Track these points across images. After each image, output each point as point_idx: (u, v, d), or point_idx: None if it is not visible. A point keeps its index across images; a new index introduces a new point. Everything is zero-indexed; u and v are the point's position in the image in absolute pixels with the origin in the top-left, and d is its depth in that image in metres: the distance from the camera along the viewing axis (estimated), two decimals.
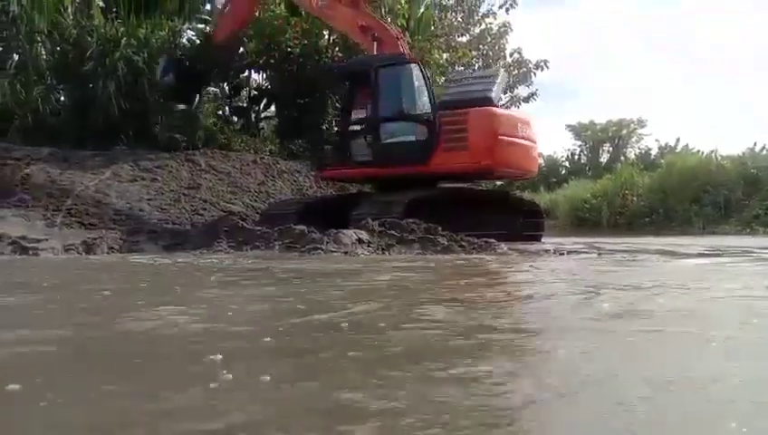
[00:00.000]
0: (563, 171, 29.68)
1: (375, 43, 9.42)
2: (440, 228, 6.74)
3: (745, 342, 2.00)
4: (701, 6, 54.34)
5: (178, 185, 10.62)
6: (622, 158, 29.22)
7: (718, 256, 6.29)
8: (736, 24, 51.54)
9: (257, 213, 10.01)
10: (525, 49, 28.04)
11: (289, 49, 14.07)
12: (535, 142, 9.19)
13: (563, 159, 31.21)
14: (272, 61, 14.43)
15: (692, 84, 51.24)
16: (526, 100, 18.88)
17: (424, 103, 8.58)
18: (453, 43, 16.95)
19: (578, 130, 31.29)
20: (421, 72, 8.75)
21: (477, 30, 18.32)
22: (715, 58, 52.92)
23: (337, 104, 14.22)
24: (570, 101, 51.44)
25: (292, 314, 2.44)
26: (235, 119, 15.68)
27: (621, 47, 52.56)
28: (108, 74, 11.74)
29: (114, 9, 12.92)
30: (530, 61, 18.51)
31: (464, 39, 18.00)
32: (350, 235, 6.41)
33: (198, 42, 13.12)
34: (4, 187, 9.20)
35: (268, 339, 1.93)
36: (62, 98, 12.63)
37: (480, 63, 16.97)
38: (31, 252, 6.23)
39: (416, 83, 8.66)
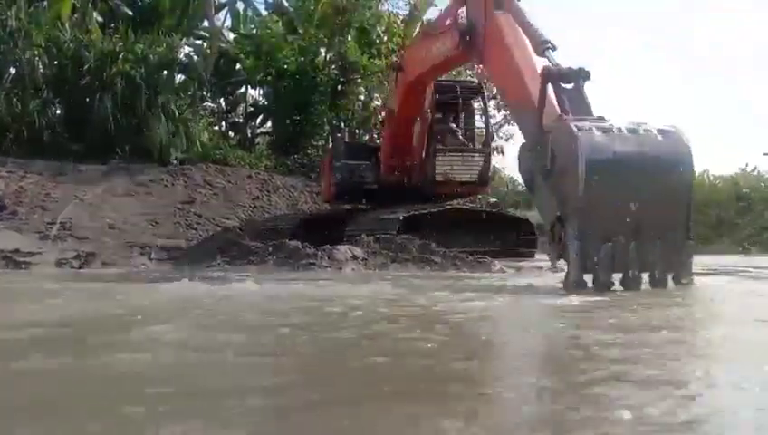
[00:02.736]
0: None
1: None
2: (434, 245, 6.73)
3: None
4: (700, 5, 54.36)
5: (173, 199, 10.61)
6: None
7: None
8: (735, 23, 51.79)
9: (252, 228, 9.98)
10: None
11: (285, 66, 14.16)
12: None
13: None
14: (268, 77, 14.52)
15: (690, 83, 51.29)
16: None
17: None
18: None
19: None
20: None
21: None
22: (713, 56, 52.90)
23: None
24: None
25: None
26: (232, 134, 15.74)
27: (620, 47, 52.49)
28: (105, 89, 11.77)
29: (112, 24, 12.98)
30: None
31: None
32: (344, 251, 6.40)
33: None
34: None
35: None
36: (59, 111, 12.64)
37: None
38: (23, 266, 6.20)
39: None
